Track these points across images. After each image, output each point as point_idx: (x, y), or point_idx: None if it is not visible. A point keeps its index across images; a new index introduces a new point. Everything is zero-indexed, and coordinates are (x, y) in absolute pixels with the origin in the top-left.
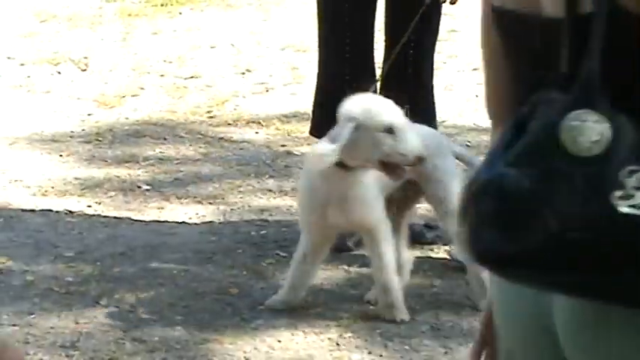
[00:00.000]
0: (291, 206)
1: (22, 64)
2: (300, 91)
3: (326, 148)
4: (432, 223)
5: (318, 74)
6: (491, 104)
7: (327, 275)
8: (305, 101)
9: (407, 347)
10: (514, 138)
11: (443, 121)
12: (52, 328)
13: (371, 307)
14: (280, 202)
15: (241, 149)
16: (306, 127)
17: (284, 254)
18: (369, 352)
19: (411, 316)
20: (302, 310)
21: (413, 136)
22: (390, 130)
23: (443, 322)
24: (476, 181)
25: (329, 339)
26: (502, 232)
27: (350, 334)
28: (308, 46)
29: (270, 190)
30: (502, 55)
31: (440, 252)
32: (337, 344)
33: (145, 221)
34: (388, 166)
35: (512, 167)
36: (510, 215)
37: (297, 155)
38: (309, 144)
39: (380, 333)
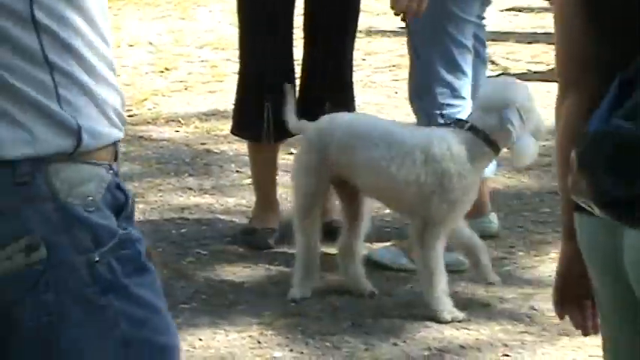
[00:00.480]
0: (211, 204)
1: None
2: (219, 90)
3: (533, 142)
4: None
5: (239, 73)
6: (565, 67)
7: (249, 273)
8: (224, 100)
9: (328, 344)
10: (623, 95)
11: None
12: None
13: (292, 304)
14: (200, 200)
15: (161, 148)
16: (225, 125)
17: (204, 252)
18: (291, 350)
19: (332, 312)
20: (223, 309)
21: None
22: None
23: (364, 318)
24: (591, 133)
25: (250, 337)
26: (618, 177)
27: (271, 332)
28: (227, 44)
29: (189, 189)
30: (583, 20)
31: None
32: (259, 342)
33: None
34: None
35: (627, 120)
36: (626, 163)
37: (216, 153)
38: (229, 142)
39: (301, 330)
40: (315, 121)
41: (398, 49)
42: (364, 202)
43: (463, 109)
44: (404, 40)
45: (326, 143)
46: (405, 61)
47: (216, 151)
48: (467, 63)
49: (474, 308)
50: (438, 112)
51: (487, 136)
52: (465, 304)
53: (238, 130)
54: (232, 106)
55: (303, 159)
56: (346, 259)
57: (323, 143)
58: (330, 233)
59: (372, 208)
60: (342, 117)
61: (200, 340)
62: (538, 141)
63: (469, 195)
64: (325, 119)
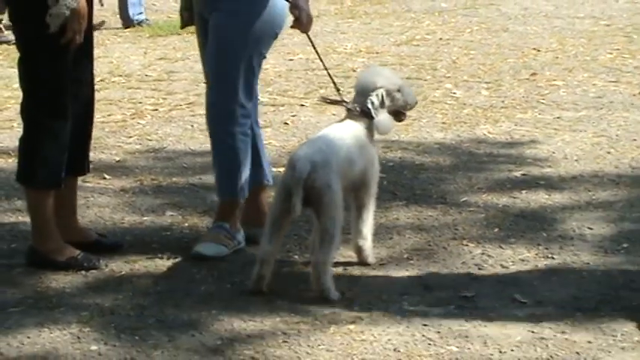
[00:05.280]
0: None
1: None
2: None
3: (388, 119)
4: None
5: None
6: None
7: (69, 280)
8: None
9: (137, 337)
10: None
11: (164, 147)
12: None
13: (106, 305)
14: (27, 219)
15: None
16: None
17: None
18: (105, 343)
19: (139, 311)
20: (47, 310)
21: (411, 90)
22: (399, 89)
23: (167, 315)
24: None
25: (71, 333)
26: None
27: (89, 329)
28: None
29: (18, 210)
30: None
31: (164, 258)
32: (78, 338)
33: None
34: (397, 113)
35: None
36: None
37: None
38: None
39: (114, 327)
40: None
41: (194, 90)
42: None
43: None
44: (199, 80)
45: None
46: (200, 99)
47: None
48: None
49: (257, 304)
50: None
51: (369, 115)
52: (248, 299)
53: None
54: None
55: None
56: None
57: None
58: None
59: None
60: None
61: (28, 337)
62: (410, 110)
63: None
64: None
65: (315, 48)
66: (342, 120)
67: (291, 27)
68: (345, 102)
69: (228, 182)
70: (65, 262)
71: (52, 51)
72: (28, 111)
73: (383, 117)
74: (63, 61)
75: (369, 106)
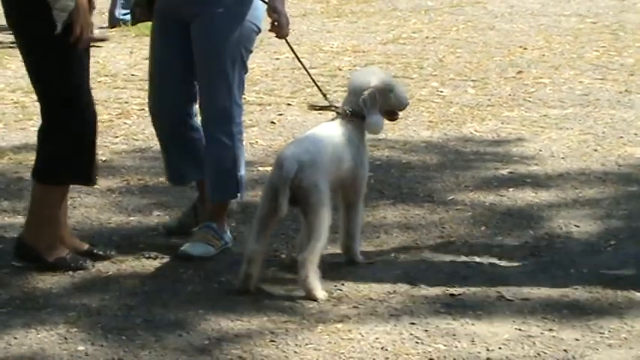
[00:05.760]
0: (23, 224)
1: None
2: (30, 127)
3: (379, 119)
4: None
5: None
6: None
7: (56, 280)
8: (33, 135)
9: (124, 337)
10: None
11: (150, 147)
12: None
13: (93, 305)
14: (14, 220)
15: None
16: (34, 156)
17: (19, 264)
18: (92, 344)
19: (127, 311)
20: (34, 311)
21: (403, 90)
22: (391, 90)
23: (154, 315)
24: None
25: (58, 334)
26: None
27: (76, 329)
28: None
29: (4, 211)
30: None
31: (151, 258)
32: (65, 338)
33: None
34: (390, 113)
35: None
36: None
37: (28, 180)
38: None
39: (101, 327)
40: None
41: None
42: None
43: None
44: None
45: None
46: None
47: (27, 178)
48: None
49: (244, 303)
50: None
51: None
52: (235, 299)
53: None
54: None
55: None
56: None
57: None
58: None
59: None
60: None
61: (15, 338)
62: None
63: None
64: None
65: (294, 52)
66: (332, 119)
67: (270, 30)
68: (335, 106)
69: (223, 183)
70: (53, 262)
71: (61, 49)
72: (47, 110)
73: (374, 117)
74: (75, 57)
75: (362, 105)
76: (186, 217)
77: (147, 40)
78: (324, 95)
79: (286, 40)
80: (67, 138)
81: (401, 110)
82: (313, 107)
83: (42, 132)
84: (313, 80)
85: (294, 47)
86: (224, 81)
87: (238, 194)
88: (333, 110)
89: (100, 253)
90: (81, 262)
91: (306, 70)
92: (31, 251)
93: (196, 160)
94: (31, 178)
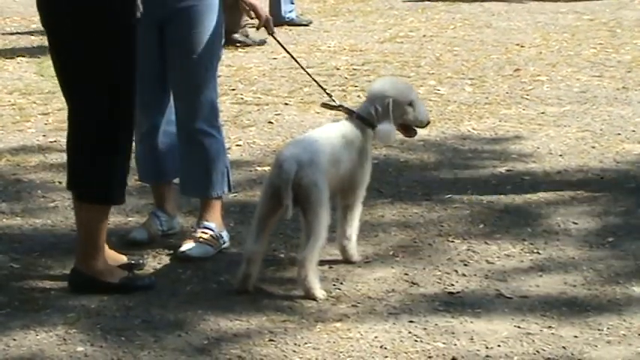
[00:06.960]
0: (21, 225)
1: None
2: (27, 129)
3: (390, 129)
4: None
5: None
6: None
7: (55, 282)
8: (31, 137)
9: (123, 338)
10: None
11: None
12: None
13: (92, 306)
14: (12, 221)
15: None
16: (32, 158)
17: (17, 266)
18: (92, 345)
19: (125, 312)
20: (33, 313)
21: (424, 108)
22: (410, 104)
23: (153, 315)
24: None
25: (57, 335)
26: None
27: (75, 330)
28: (32, 90)
29: (2, 212)
30: None
31: (150, 259)
32: (64, 339)
33: None
34: (406, 128)
35: None
36: None
37: (25, 182)
38: (35, 172)
39: (100, 327)
40: None
41: None
42: None
43: None
44: None
45: None
46: None
47: (25, 180)
48: None
49: (243, 303)
50: None
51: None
52: (234, 299)
53: None
54: (38, 142)
55: None
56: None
57: None
58: None
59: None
60: None
61: (14, 340)
62: (421, 128)
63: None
64: None
65: (288, 51)
66: (338, 121)
67: (257, 28)
68: (343, 107)
69: (219, 177)
70: (119, 284)
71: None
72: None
73: (385, 127)
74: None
75: (372, 112)
76: (150, 227)
77: None
78: (330, 95)
79: (285, 49)
80: (120, 159)
81: (419, 127)
82: (325, 106)
83: (92, 153)
84: (317, 83)
85: (292, 47)
86: (213, 79)
87: (230, 188)
88: (341, 110)
89: (135, 262)
90: (146, 280)
91: (307, 73)
92: (89, 278)
93: (165, 162)
94: (79, 201)
